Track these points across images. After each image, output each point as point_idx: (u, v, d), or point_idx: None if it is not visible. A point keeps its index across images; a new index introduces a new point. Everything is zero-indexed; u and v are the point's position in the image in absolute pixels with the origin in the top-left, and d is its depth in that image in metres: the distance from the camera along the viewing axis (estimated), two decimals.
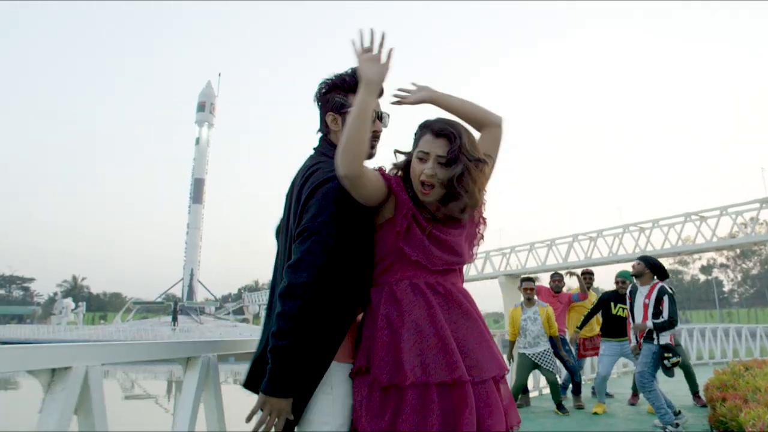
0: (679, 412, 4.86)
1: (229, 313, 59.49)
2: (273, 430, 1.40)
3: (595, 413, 5.53)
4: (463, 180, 1.45)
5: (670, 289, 4.75)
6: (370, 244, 1.50)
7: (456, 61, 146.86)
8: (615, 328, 5.77)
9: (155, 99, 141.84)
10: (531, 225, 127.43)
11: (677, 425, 4.52)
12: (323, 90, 1.63)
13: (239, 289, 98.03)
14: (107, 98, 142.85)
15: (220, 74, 59.30)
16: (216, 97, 57.10)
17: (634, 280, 5.00)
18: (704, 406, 5.56)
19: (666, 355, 4.59)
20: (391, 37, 1.45)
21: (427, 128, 1.51)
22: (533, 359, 5.63)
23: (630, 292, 4.98)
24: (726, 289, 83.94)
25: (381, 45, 1.47)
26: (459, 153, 1.45)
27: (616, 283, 5.97)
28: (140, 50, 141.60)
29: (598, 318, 6.19)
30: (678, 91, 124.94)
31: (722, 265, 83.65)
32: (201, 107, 56.84)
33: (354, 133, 1.38)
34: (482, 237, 1.61)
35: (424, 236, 1.47)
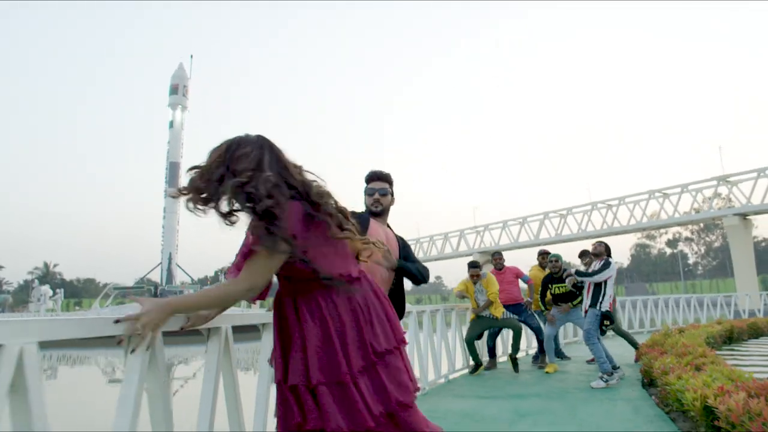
0: (618, 367, 5.88)
1: None
2: None
3: (547, 372, 6.46)
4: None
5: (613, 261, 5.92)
6: None
7: (456, 51, 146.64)
8: (562, 301, 6.68)
9: (127, 81, 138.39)
10: (504, 203, 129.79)
11: (613, 374, 5.52)
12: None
13: (216, 272, 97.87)
14: (76, 79, 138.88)
15: (192, 56, 58.37)
16: (189, 79, 56.40)
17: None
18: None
19: (605, 322, 5.80)
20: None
21: None
22: (483, 315, 6.50)
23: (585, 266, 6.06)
24: (690, 261, 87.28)
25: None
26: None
27: (549, 262, 6.81)
28: (109, 30, 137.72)
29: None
30: (643, 75, 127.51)
31: (687, 239, 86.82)
32: (174, 90, 56.01)
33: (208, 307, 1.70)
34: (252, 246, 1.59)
35: None
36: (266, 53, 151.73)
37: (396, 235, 3.02)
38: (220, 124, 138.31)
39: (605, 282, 5.81)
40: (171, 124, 55.93)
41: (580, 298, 6.41)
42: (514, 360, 6.56)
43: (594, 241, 6.28)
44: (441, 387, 5.81)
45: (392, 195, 3.02)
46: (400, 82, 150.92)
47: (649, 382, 5.27)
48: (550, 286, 6.69)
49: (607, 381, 5.43)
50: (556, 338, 7.91)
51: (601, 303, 5.76)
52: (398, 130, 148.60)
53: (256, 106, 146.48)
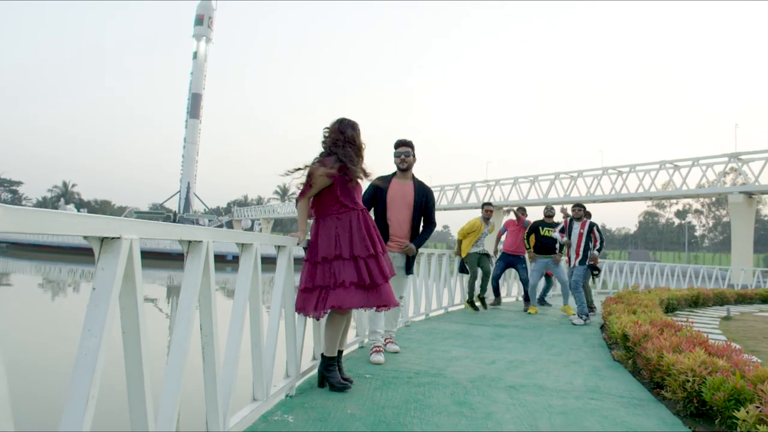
0: (594, 307, 7.41)
1: (221, 226, 61.82)
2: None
3: (529, 313, 7.87)
4: None
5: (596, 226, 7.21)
6: None
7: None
8: (543, 248, 7.94)
9: (153, 6, 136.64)
10: (516, 158, 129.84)
11: (587, 316, 6.93)
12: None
13: (228, 203, 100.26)
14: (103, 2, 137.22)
15: None
16: (215, 11, 56.25)
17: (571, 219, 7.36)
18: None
19: (594, 271, 7.42)
20: None
21: None
22: (479, 253, 7.71)
23: (569, 224, 7.28)
24: (698, 233, 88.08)
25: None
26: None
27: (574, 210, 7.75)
28: None
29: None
30: (668, 48, 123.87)
31: (696, 211, 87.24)
32: (199, 20, 55.91)
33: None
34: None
35: None
36: None
37: (422, 187, 4.32)
38: (244, 59, 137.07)
39: (588, 244, 7.10)
40: (195, 55, 56.20)
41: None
42: (476, 299, 7.82)
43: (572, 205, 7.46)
44: (440, 315, 7.21)
45: (414, 155, 4.32)
46: (425, 38, 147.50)
47: (605, 325, 6.64)
48: (540, 228, 7.98)
49: (585, 320, 6.85)
50: (546, 289, 9.33)
51: (587, 260, 7.13)
52: (421, 80, 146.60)
53: (281, 44, 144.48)
